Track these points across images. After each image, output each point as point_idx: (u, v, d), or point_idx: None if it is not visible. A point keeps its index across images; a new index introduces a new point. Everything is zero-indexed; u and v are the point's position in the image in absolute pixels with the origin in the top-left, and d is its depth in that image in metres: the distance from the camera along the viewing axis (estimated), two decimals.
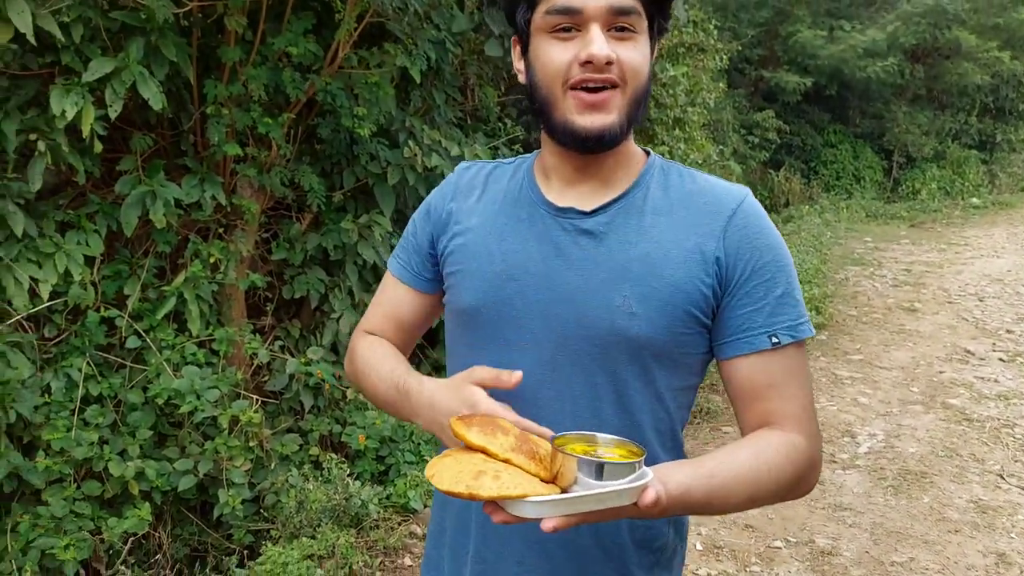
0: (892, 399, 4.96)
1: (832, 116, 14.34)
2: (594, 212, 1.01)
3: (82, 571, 2.50)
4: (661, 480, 0.82)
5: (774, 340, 0.96)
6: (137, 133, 2.77)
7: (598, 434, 0.86)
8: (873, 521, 3.47)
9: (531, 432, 0.88)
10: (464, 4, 3.59)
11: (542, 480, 0.82)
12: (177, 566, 2.78)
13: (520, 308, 1.01)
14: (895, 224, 12.34)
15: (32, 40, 2.16)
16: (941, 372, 5.45)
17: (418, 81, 3.32)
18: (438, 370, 3.80)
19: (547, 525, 0.75)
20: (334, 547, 2.72)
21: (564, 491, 0.79)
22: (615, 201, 1.01)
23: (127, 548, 2.57)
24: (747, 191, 1.03)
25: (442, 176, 3.48)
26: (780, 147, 12.80)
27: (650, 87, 1.00)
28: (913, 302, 7.34)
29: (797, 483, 0.97)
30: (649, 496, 0.77)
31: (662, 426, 1.03)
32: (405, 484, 3.20)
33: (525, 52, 1.02)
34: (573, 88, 0.94)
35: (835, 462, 4.06)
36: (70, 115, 2.29)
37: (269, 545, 2.69)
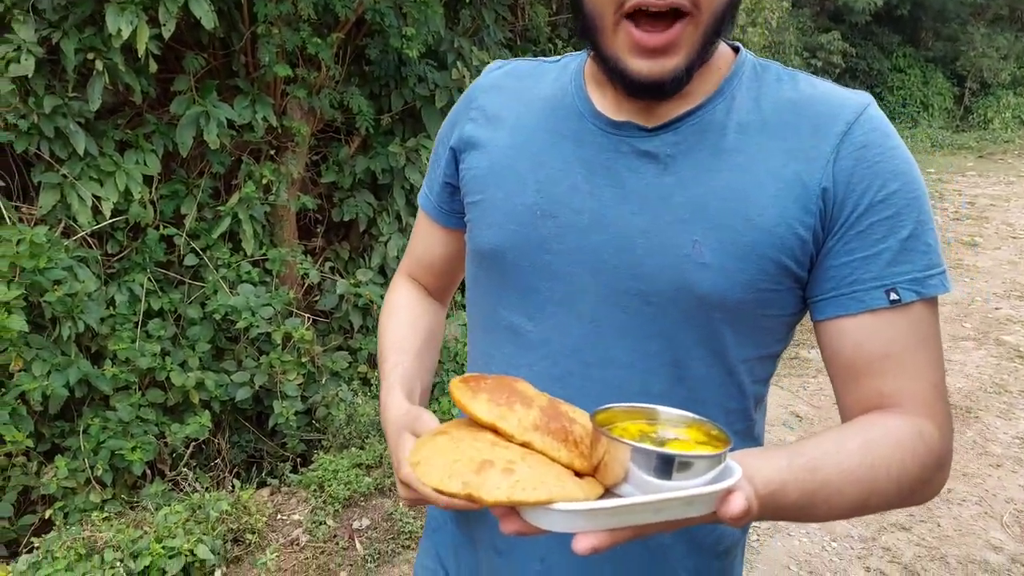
0: (943, 334, 4.87)
1: (902, 38, 13.53)
2: (659, 129, 0.78)
3: (148, 471, 2.69)
4: (747, 477, 0.62)
5: (893, 297, 0.73)
6: (190, 53, 2.79)
7: (659, 408, 0.63)
8: None
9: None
10: None
11: (577, 473, 0.59)
12: (235, 470, 2.97)
13: (558, 253, 0.80)
14: (962, 155, 11.76)
15: None
16: (997, 308, 5.30)
17: (467, 0, 3.25)
18: None
19: (581, 545, 0.55)
20: (381, 457, 2.86)
21: (609, 491, 0.58)
22: (688, 115, 0.78)
23: (188, 452, 2.75)
24: (870, 99, 0.79)
25: None
26: (844, 71, 12.18)
27: (733, 4, 0.75)
28: (974, 236, 7.08)
29: (922, 486, 0.74)
30: (736, 505, 0.56)
31: (732, 405, 0.82)
32: (450, 402, 3.32)
33: None
34: (628, 16, 0.71)
35: None
36: (125, 34, 2.32)
37: (321, 454, 2.84)
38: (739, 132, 0.77)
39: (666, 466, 0.54)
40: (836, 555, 2.76)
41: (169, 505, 2.44)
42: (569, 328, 0.81)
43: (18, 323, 2.15)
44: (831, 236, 0.75)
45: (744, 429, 0.85)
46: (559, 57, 0.91)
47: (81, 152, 2.50)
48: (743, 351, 0.80)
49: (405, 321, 0.99)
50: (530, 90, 0.88)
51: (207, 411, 2.76)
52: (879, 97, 13.07)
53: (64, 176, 2.52)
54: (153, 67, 2.51)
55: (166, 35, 2.45)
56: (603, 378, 0.80)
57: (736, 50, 0.83)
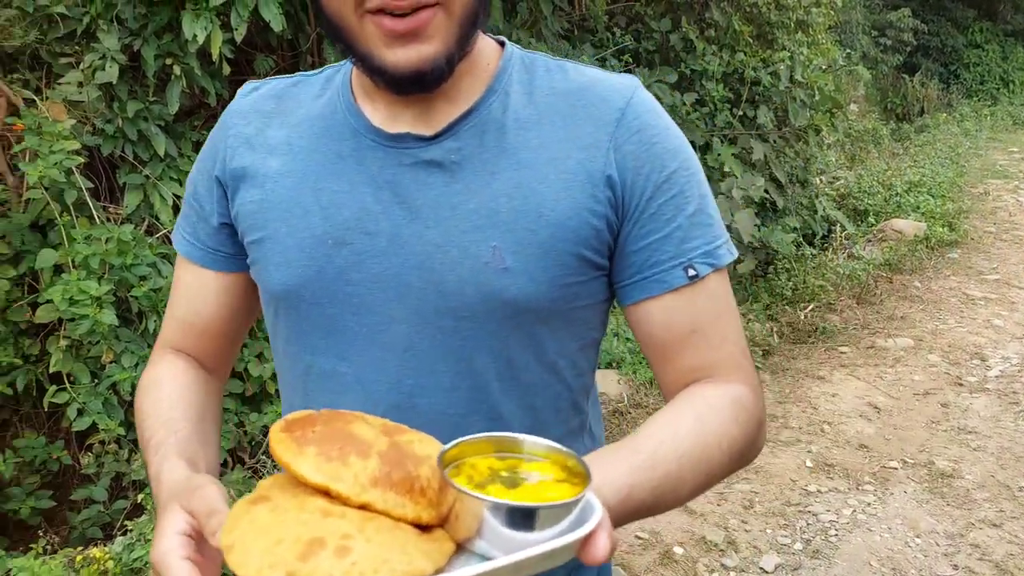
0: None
1: (978, 12, 12.88)
2: (439, 136, 0.75)
3: (228, 458, 2.81)
4: (597, 488, 0.57)
5: (691, 273, 0.74)
6: (260, 55, 2.90)
7: (509, 436, 0.56)
8: (1000, 445, 3.32)
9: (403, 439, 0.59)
10: None
11: (423, 526, 0.52)
12: None
13: (358, 283, 0.75)
14: None
15: None
16: None
17: None
18: None
19: None
20: None
21: (461, 547, 0.52)
22: (465, 117, 0.75)
23: (266, 441, 2.85)
24: (636, 81, 0.78)
25: None
26: (916, 49, 11.68)
27: None
28: None
29: (748, 449, 0.76)
30: (601, 548, 0.51)
31: (563, 404, 0.81)
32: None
33: None
34: (372, 13, 0.67)
35: (962, 385, 3.87)
36: (200, 39, 2.43)
37: None
38: (518, 128, 0.75)
39: (523, 519, 0.49)
40: (921, 552, 2.67)
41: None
42: (385, 362, 0.75)
43: (109, 317, 2.27)
44: (627, 221, 0.75)
45: (578, 425, 0.84)
46: (320, 70, 0.85)
47: (162, 153, 2.63)
48: (562, 346, 0.78)
49: (170, 395, 0.83)
50: (295, 111, 0.81)
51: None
52: (955, 75, 12.49)
53: (147, 177, 2.64)
54: (227, 70, 2.62)
55: (238, 39, 2.55)
56: (429, 407, 0.76)
57: (502, 44, 0.81)
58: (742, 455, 0.75)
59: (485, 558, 0.50)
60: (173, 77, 2.54)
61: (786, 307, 4.57)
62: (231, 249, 0.84)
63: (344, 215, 0.75)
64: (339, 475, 0.51)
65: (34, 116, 2.26)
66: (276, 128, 0.81)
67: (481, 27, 0.74)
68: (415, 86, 0.71)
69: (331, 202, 0.76)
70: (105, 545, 2.38)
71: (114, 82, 2.42)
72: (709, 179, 4.49)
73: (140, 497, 2.54)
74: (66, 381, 2.39)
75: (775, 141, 4.88)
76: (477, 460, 0.55)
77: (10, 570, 2.08)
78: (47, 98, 2.33)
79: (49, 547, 2.29)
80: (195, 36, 2.43)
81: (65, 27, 2.41)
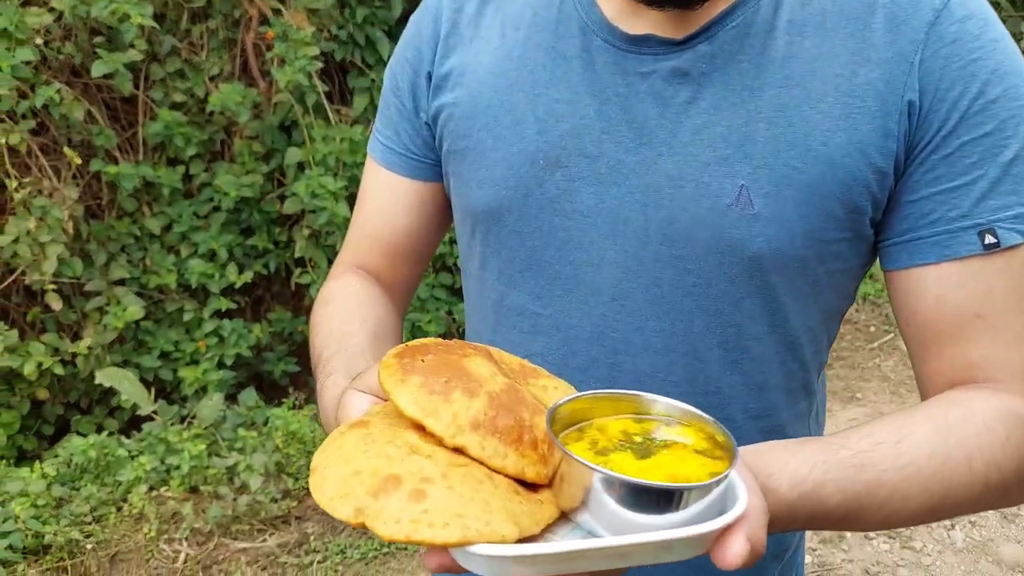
0: None
1: None
2: (690, 40, 0.61)
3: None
4: (764, 480, 0.48)
5: (989, 240, 0.57)
6: None
7: (650, 397, 0.48)
8: None
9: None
10: None
11: (528, 485, 0.46)
12: None
13: (569, 214, 0.65)
14: None
15: None
16: None
17: None
18: None
19: None
20: None
21: (565, 517, 0.45)
22: (724, 17, 0.60)
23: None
24: None
25: None
26: None
27: None
28: None
29: (1018, 484, 0.58)
30: (734, 551, 0.41)
31: (794, 384, 0.68)
32: None
33: None
34: None
35: None
36: None
37: None
38: (791, 33, 0.59)
39: (638, 498, 0.40)
40: None
41: None
42: (589, 308, 0.65)
43: (343, 210, 2.54)
44: (912, 161, 0.58)
45: (806, 408, 0.70)
46: None
47: (385, 57, 2.80)
48: (806, 318, 0.64)
49: (346, 307, 0.74)
50: None
51: None
52: None
53: (372, 80, 2.84)
54: None
55: None
56: (635, 368, 0.65)
57: None
58: (1005, 489, 0.57)
59: (592, 535, 0.43)
60: None
61: None
62: (433, 155, 0.74)
63: (562, 129, 0.64)
64: (437, 410, 0.45)
65: (281, 24, 2.49)
66: (491, 15, 0.70)
67: None
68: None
69: (548, 112, 0.65)
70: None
71: None
72: None
73: None
74: (308, 265, 2.74)
75: None
76: (608, 422, 0.47)
77: (268, 418, 2.52)
78: (291, 7, 2.55)
79: (296, 403, 2.72)
80: None
81: None
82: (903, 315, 0.63)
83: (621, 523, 0.41)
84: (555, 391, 0.51)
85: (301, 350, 2.97)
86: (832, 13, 0.60)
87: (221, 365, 2.66)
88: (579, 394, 0.48)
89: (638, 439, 0.46)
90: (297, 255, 2.69)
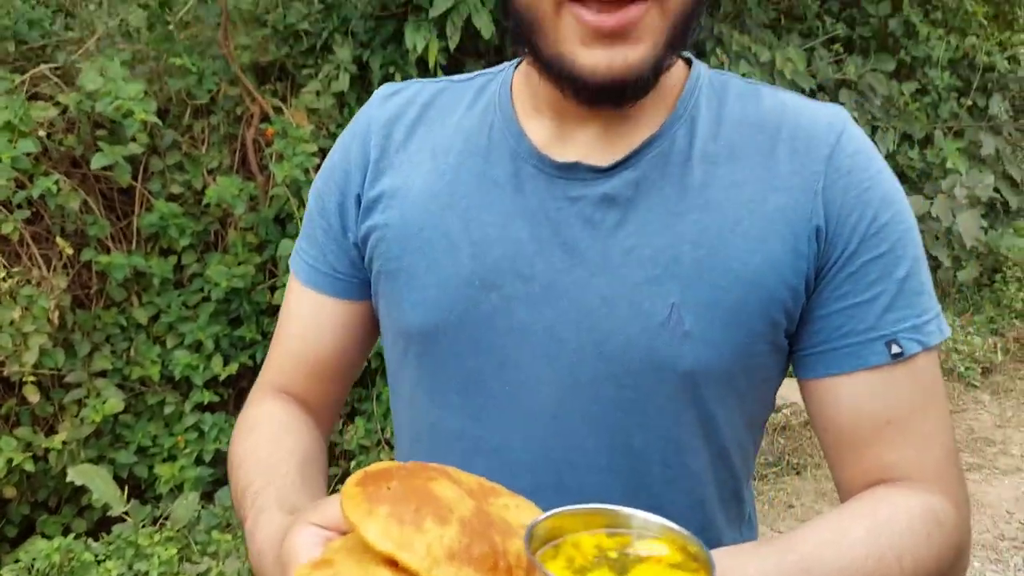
0: None
1: None
2: (615, 167, 0.64)
3: None
4: None
5: (895, 350, 0.62)
6: (470, 60, 3.08)
7: (623, 510, 0.48)
8: None
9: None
10: None
11: None
12: None
13: (505, 333, 0.65)
14: None
15: None
16: None
17: None
18: None
19: None
20: None
21: None
22: (646, 146, 0.64)
23: None
24: (845, 113, 0.66)
25: None
26: None
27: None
28: None
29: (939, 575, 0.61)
30: None
31: (727, 493, 0.70)
32: None
33: None
34: (574, 1, 0.57)
35: None
36: (420, 48, 2.64)
37: None
38: (706, 163, 0.64)
39: None
40: None
41: None
42: (528, 428, 0.65)
43: None
44: (822, 280, 0.63)
45: (737, 515, 0.73)
46: (470, 76, 0.74)
47: None
48: (735, 429, 0.67)
49: (270, 437, 0.71)
50: (442, 122, 0.71)
51: None
52: None
53: None
54: (440, 75, 2.82)
55: (452, 47, 2.73)
56: (579, 487, 0.64)
57: (689, 62, 0.69)
58: None
59: None
60: None
61: (1015, 320, 4.09)
62: (360, 274, 0.74)
63: (495, 253, 0.65)
64: (410, 543, 0.43)
65: (281, 122, 2.57)
66: (420, 139, 0.71)
67: (693, 36, 0.63)
68: (611, 97, 0.60)
69: (482, 236, 0.66)
70: None
71: (345, 90, 2.69)
72: (928, 177, 4.14)
73: (351, 466, 2.82)
74: None
75: (1010, 134, 4.35)
76: (582, 537, 0.46)
77: None
78: (292, 106, 2.65)
79: None
80: (415, 46, 2.64)
81: (308, 42, 2.72)
82: (820, 422, 0.66)
83: None
84: (517, 509, 0.50)
85: None
86: (740, 145, 0.65)
87: (199, 461, 2.57)
88: (554, 511, 0.46)
89: (613, 554, 0.45)
90: None
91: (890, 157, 4.07)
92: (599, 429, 0.64)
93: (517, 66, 0.71)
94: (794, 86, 3.44)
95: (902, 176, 4.26)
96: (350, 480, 0.48)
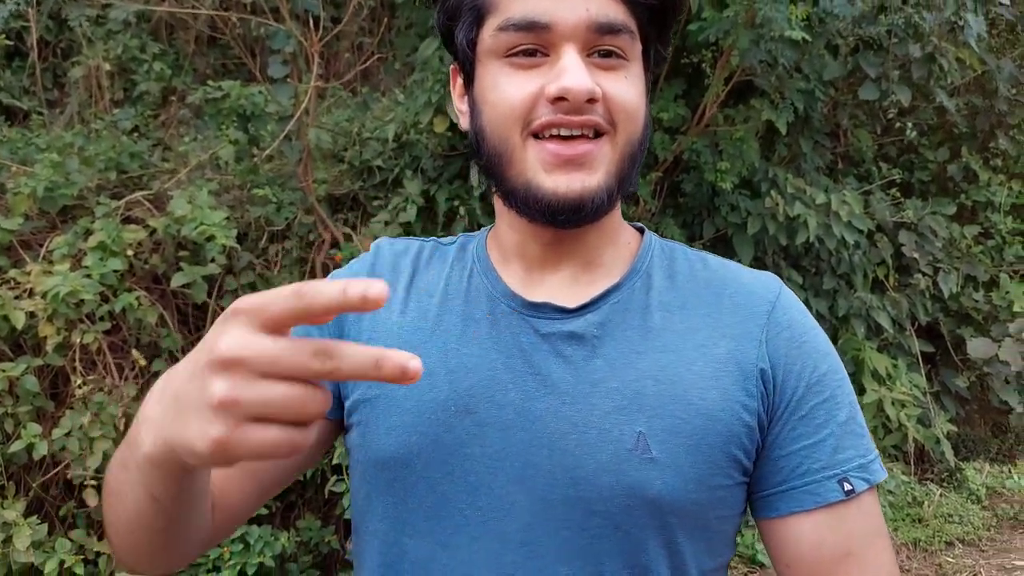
0: None
1: None
2: (580, 309, 0.71)
3: None
4: None
5: (847, 487, 0.67)
6: None
7: None
8: None
9: None
10: (838, 49, 3.46)
11: None
12: None
13: (477, 458, 0.68)
14: None
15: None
16: None
17: (784, 132, 3.29)
18: None
19: None
20: None
21: None
22: (607, 293, 0.72)
23: None
24: (777, 279, 0.76)
25: (805, 227, 3.39)
26: None
27: (648, 136, 0.72)
28: None
29: None
30: None
31: None
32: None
33: (469, 86, 0.72)
34: (538, 136, 0.66)
35: None
36: (483, 186, 2.79)
37: None
38: (662, 310, 0.72)
39: None
40: None
41: None
42: (497, 554, 0.66)
43: None
44: (775, 423, 0.69)
45: None
46: (452, 238, 0.82)
47: None
48: (701, 562, 0.69)
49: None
50: (428, 269, 0.78)
51: None
52: None
53: None
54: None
55: None
56: None
57: (641, 231, 0.79)
58: None
59: None
60: (458, 216, 2.92)
61: None
62: (333, 393, 0.74)
63: (471, 380, 0.69)
64: None
65: (350, 249, 2.72)
66: (405, 284, 0.77)
67: (634, 181, 0.72)
68: (572, 215, 0.67)
69: (459, 366, 0.70)
70: None
71: (412, 221, 2.85)
72: (995, 319, 4.03)
73: None
74: (344, 473, 2.74)
75: None
76: None
77: None
78: (361, 234, 2.80)
79: None
80: (479, 182, 2.79)
81: (380, 176, 2.91)
82: (784, 559, 0.70)
83: None
84: None
85: (327, 562, 2.86)
86: (690, 298, 0.73)
87: (242, 574, 2.57)
88: None
89: None
90: (335, 461, 2.70)
91: (953, 298, 4.00)
92: (570, 556, 0.66)
93: (489, 231, 0.81)
94: (851, 227, 3.46)
95: (967, 318, 4.16)
96: None
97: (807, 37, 2.74)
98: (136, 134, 3.28)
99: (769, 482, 0.70)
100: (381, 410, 0.71)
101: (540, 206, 0.67)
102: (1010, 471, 4.34)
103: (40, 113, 3.48)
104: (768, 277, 0.76)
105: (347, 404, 0.75)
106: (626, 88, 0.68)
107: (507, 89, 0.67)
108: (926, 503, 3.83)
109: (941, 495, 3.95)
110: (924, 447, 3.74)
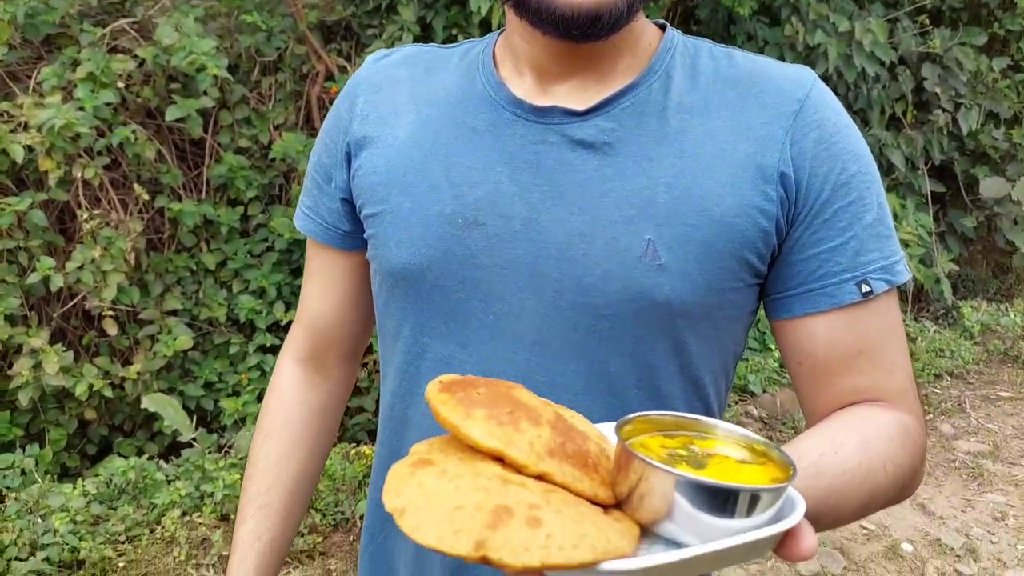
0: None
1: None
2: (589, 112, 0.68)
3: None
4: None
5: (865, 289, 0.67)
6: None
7: (677, 415, 0.51)
8: None
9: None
10: None
11: (600, 504, 0.47)
12: None
13: (488, 268, 0.69)
14: None
15: None
16: None
17: None
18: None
19: None
20: None
21: (646, 531, 0.46)
22: (621, 94, 0.69)
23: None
24: (813, 74, 0.71)
25: (825, 57, 3.22)
26: None
27: None
28: None
29: (911, 480, 0.69)
30: (808, 545, 0.45)
31: None
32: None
33: None
34: None
35: None
36: (484, 10, 2.65)
37: None
38: (680, 112, 0.68)
39: (724, 503, 0.43)
40: None
41: None
42: (511, 355, 0.69)
43: None
44: (796, 226, 0.67)
45: None
46: (456, 44, 0.79)
47: None
48: (708, 360, 0.71)
49: (278, 455, 0.86)
50: (428, 79, 0.75)
51: None
52: None
53: None
54: None
55: None
56: None
57: (663, 28, 0.74)
58: (905, 485, 0.68)
59: (673, 543, 0.45)
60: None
61: None
62: (351, 226, 0.79)
63: (476, 194, 0.69)
64: (513, 441, 0.46)
65: (345, 80, 2.64)
66: (406, 95, 0.75)
67: None
68: (589, 29, 0.63)
69: (463, 179, 0.70)
70: (371, 445, 2.82)
71: None
72: (1012, 158, 3.92)
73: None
74: None
75: None
76: (647, 439, 0.49)
77: None
78: (355, 65, 2.71)
79: None
80: (479, 8, 2.65)
81: (373, 2, 2.76)
82: (797, 356, 0.71)
83: (707, 529, 0.43)
84: (574, 419, 0.53)
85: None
86: (713, 99, 0.69)
87: (260, 397, 2.74)
88: (634, 415, 0.50)
89: (683, 452, 0.48)
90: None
91: (972, 136, 3.87)
92: (578, 355, 0.68)
93: (499, 36, 0.77)
94: (873, 59, 3.30)
95: (984, 156, 4.05)
96: (431, 388, 0.50)
97: None
98: None
99: (786, 284, 0.69)
100: (388, 224, 0.72)
101: (553, 18, 0.63)
102: (1007, 309, 4.41)
103: None
104: (800, 71, 0.71)
105: (360, 216, 0.77)
106: None
107: None
108: (919, 339, 3.94)
109: (935, 331, 4.05)
110: (923, 287, 3.79)
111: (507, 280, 0.69)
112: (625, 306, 0.66)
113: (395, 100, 0.75)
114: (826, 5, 3.29)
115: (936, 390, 3.69)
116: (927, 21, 3.65)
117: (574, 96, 0.69)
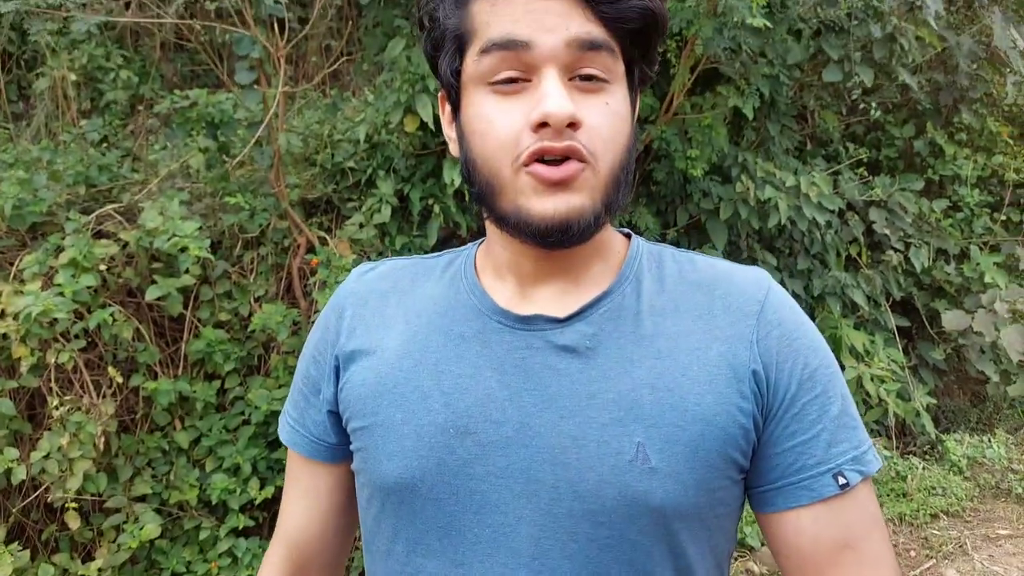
0: None
1: None
2: (570, 319, 0.72)
3: None
4: None
5: (841, 481, 0.69)
6: None
7: None
8: None
9: None
10: (801, 33, 3.50)
11: None
12: None
13: (482, 478, 0.69)
14: None
15: (431, 126, 2.69)
16: None
17: (751, 118, 3.32)
18: None
19: None
20: None
21: None
22: (598, 301, 0.73)
23: None
24: (767, 274, 0.76)
25: (776, 209, 3.43)
26: None
27: (632, 159, 0.72)
28: None
29: None
30: None
31: None
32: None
33: (456, 113, 0.73)
34: (528, 164, 0.66)
35: None
36: (457, 183, 2.79)
37: None
38: (653, 316, 0.72)
39: None
40: None
41: None
42: (510, 570, 0.68)
43: None
44: (770, 421, 0.70)
45: None
46: (439, 254, 0.84)
47: None
48: (702, 560, 0.70)
49: None
50: (413, 290, 0.79)
51: None
52: None
53: None
54: (475, 208, 2.95)
55: None
56: None
57: (628, 236, 0.80)
58: None
59: None
60: (433, 215, 2.92)
61: None
62: (337, 439, 0.80)
63: (467, 401, 0.70)
64: None
65: (325, 252, 2.71)
66: (393, 307, 0.78)
67: (623, 202, 0.72)
68: (561, 236, 0.68)
69: (454, 387, 0.71)
70: None
71: (387, 221, 2.84)
72: (967, 291, 4.10)
73: None
74: None
75: None
76: None
77: None
78: (336, 236, 2.79)
79: None
80: (452, 180, 2.79)
81: (353, 178, 2.90)
82: (783, 551, 0.72)
83: None
84: None
85: None
86: (681, 301, 0.73)
87: None
88: None
89: None
90: None
91: (925, 272, 4.06)
92: (577, 566, 0.67)
93: (479, 246, 0.81)
94: (821, 208, 3.51)
95: (940, 291, 4.23)
96: None
97: (768, 24, 2.77)
98: (105, 145, 3.24)
99: (766, 478, 0.71)
100: (380, 436, 0.72)
101: (530, 229, 0.68)
102: (989, 440, 4.42)
103: (6, 127, 3.42)
104: (756, 274, 0.76)
105: (347, 429, 0.77)
106: (606, 115, 0.68)
107: (494, 121, 0.68)
108: (909, 477, 3.89)
109: (924, 468, 4.02)
110: (905, 421, 3.80)
111: (502, 488, 0.68)
112: (621, 511, 0.66)
113: (383, 312, 0.78)
114: (772, 163, 3.55)
115: (935, 531, 3.60)
116: (866, 172, 3.93)
117: (555, 303, 0.73)
